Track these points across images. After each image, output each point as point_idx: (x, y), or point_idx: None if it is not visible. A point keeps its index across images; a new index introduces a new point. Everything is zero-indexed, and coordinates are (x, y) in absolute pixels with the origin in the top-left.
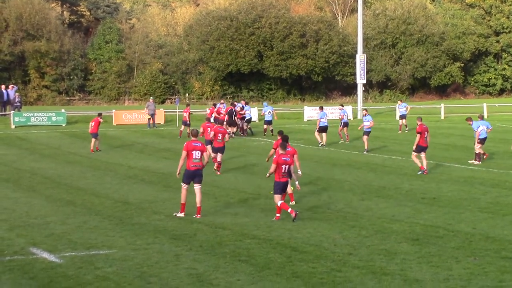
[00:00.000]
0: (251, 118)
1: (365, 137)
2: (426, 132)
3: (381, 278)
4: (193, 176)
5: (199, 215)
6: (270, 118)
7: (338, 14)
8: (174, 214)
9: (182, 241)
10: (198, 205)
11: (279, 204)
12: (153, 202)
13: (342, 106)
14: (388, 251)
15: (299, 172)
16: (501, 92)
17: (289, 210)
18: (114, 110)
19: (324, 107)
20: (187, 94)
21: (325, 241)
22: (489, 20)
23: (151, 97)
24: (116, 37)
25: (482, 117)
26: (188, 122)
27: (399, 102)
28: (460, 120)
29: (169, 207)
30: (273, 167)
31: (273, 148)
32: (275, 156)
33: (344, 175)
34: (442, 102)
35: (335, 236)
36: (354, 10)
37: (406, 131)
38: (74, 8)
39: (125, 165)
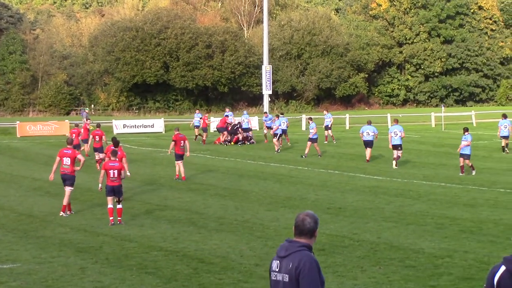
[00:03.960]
0: (286, 129)
1: (309, 143)
2: (182, 141)
3: None
4: (63, 179)
5: (61, 212)
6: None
7: (243, 25)
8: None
9: (88, 254)
10: (64, 204)
11: (108, 207)
12: (58, 215)
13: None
14: None
15: (128, 174)
16: (405, 102)
17: (111, 218)
18: (18, 122)
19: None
20: (92, 106)
21: (232, 252)
22: (392, 31)
23: (87, 109)
24: (20, 47)
25: (395, 121)
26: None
27: (324, 112)
28: None
29: (74, 219)
30: (102, 173)
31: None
32: (103, 162)
33: (251, 186)
34: (347, 112)
35: (242, 247)
36: (259, 21)
37: (334, 142)
38: None
39: (29, 177)
